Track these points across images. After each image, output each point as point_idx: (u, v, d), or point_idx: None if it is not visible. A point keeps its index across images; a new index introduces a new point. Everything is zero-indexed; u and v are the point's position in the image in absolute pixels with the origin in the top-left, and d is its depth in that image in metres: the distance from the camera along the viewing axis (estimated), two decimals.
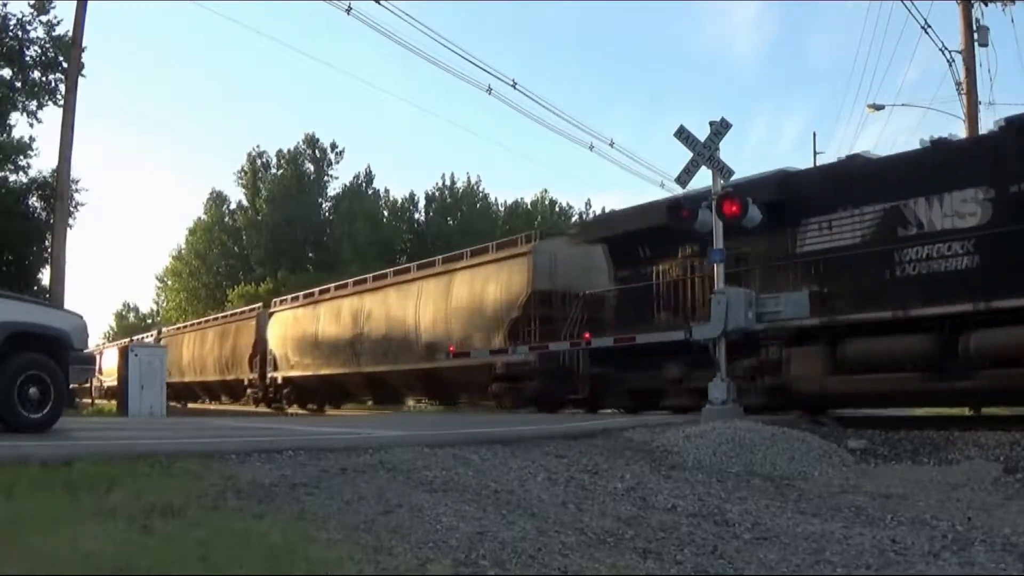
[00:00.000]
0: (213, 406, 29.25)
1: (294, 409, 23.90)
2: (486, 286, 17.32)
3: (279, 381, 24.79)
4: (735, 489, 6.18)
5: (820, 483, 6.89)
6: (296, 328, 24.20)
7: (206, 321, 32.42)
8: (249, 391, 26.45)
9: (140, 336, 37.88)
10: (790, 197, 11.20)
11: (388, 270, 22.68)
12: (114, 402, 19.19)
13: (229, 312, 31.77)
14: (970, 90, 17.56)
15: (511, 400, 16.11)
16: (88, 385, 23.56)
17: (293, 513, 4.11)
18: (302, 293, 25.51)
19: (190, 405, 30.83)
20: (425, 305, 18.99)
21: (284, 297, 27.25)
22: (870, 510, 5.44)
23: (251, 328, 26.68)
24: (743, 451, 7.65)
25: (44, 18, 22.24)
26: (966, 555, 4.17)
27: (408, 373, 19.53)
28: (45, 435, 6.98)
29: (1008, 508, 5.65)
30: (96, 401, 24.67)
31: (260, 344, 25.82)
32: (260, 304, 28.60)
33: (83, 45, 17.71)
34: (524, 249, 16.90)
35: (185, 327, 34.83)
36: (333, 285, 24.00)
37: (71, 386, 8.53)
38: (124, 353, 16.68)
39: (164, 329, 37.14)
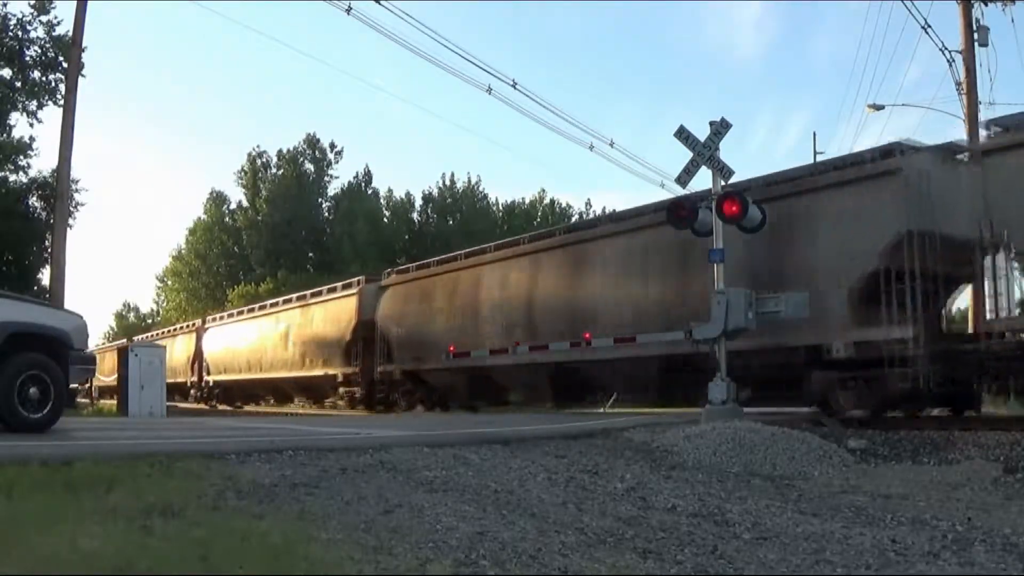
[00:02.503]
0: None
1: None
2: None
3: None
4: (735, 489, 6.18)
5: (820, 483, 6.89)
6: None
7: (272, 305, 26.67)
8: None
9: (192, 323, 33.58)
10: None
11: None
12: (114, 402, 19.15)
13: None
14: (970, 90, 17.53)
15: None
16: (89, 385, 23.49)
17: (293, 513, 4.11)
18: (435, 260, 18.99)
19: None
20: None
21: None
22: (870, 510, 5.44)
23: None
24: (743, 451, 7.66)
25: (44, 18, 22.24)
26: (966, 555, 4.17)
27: None
28: (45, 435, 6.97)
29: (1008, 508, 5.66)
30: (96, 401, 24.50)
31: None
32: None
33: (83, 45, 17.67)
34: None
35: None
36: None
37: (71, 386, 8.54)
38: (124, 353, 16.69)
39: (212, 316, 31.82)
